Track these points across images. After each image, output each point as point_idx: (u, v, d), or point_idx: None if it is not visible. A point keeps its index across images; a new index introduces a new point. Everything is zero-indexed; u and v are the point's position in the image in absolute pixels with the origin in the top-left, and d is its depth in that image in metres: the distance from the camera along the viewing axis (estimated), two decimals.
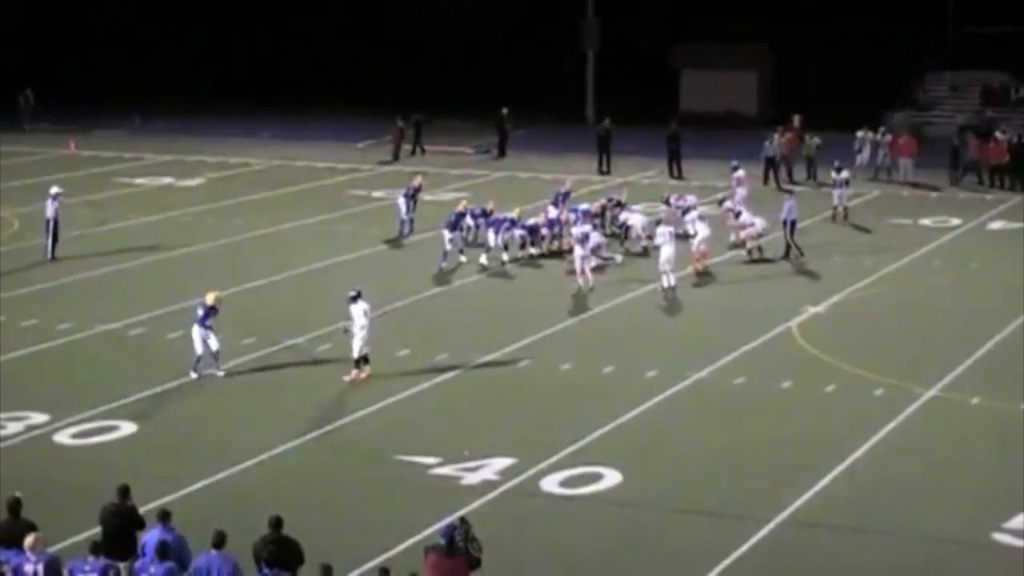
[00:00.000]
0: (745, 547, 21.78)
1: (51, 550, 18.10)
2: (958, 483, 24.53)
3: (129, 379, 29.27)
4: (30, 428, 26.65)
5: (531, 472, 24.55)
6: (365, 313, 29.13)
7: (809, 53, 66.49)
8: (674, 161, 54.05)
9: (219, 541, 17.91)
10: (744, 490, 24.01)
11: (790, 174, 52.50)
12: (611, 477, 24.40)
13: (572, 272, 37.34)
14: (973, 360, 31.03)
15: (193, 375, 29.33)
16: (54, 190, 40.55)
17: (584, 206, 41.58)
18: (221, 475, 24.42)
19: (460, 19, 70.93)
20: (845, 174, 45.91)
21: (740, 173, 46.10)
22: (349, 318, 29.35)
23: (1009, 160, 51.90)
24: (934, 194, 50.72)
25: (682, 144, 53.93)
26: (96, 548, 17.73)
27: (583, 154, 56.16)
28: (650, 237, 38.80)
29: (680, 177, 53.12)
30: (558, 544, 22.04)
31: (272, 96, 70.27)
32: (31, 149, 59.15)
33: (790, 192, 45.17)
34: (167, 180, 53.18)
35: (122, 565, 18.11)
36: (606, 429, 26.76)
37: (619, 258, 40.02)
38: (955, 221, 45.85)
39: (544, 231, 40.74)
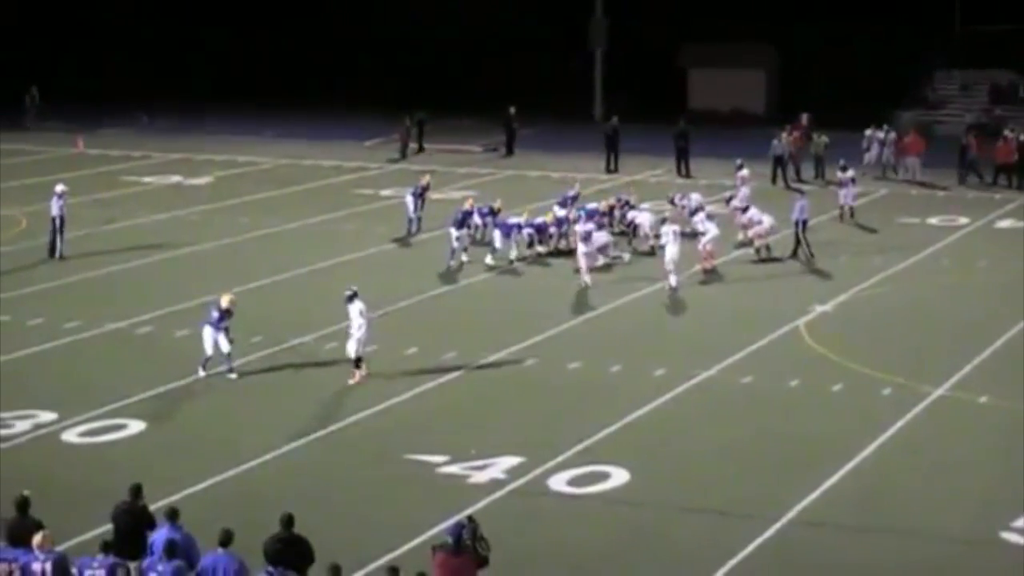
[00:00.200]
0: (752, 546, 21.75)
1: (59, 548, 18.08)
2: (966, 482, 24.47)
3: (136, 378, 29.25)
4: (37, 427, 26.65)
5: (538, 471, 24.52)
6: (361, 313, 28.99)
7: (816, 52, 66.45)
8: (682, 159, 54.05)
9: (226, 540, 17.88)
10: (751, 489, 23.98)
11: (798, 172, 52.43)
12: (618, 476, 24.38)
13: (579, 270, 37.37)
14: (981, 359, 30.97)
15: (202, 373, 29.30)
16: (59, 188, 40.48)
17: (592, 205, 41.63)
18: (228, 474, 24.42)
19: (467, 19, 70.86)
20: (851, 173, 45.81)
21: (744, 172, 46.07)
22: (348, 318, 29.33)
23: (1017, 159, 51.80)
24: (942, 193, 50.65)
25: (690, 142, 53.95)
26: (107, 547, 17.71)
27: (591, 153, 56.15)
28: (657, 236, 38.79)
29: (688, 175, 53.12)
30: (565, 543, 22.02)
31: (276, 96, 70.15)
32: (38, 148, 59.18)
33: (801, 192, 45.10)
34: (175, 179, 53.19)
35: (132, 564, 18.09)
36: (613, 428, 26.74)
37: (626, 257, 40.03)
38: (963, 220, 45.79)
39: (552, 230, 40.75)
